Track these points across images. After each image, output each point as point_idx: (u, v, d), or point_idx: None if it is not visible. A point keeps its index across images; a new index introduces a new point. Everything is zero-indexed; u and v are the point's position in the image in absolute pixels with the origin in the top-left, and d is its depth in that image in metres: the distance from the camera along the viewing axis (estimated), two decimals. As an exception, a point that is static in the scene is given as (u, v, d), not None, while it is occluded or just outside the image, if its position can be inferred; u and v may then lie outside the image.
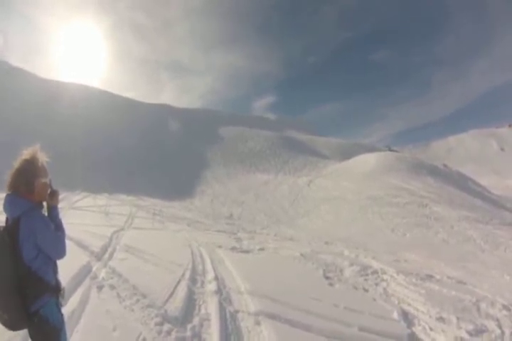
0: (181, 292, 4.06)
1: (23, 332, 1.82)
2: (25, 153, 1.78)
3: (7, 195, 1.74)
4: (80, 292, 3.62)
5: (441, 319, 3.96)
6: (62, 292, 1.86)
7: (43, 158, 1.82)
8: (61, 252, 1.76)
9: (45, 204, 1.86)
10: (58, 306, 1.79)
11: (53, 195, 1.87)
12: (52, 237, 1.72)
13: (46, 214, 1.84)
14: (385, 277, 5.77)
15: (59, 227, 1.82)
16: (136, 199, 18.07)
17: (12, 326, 1.69)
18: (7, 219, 1.74)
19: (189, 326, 3.24)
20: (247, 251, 7.38)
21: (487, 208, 17.49)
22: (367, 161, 27.47)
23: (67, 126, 29.91)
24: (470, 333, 3.63)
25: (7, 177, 1.75)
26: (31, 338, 1.72)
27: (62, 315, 1.81)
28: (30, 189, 1.74)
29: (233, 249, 7.48)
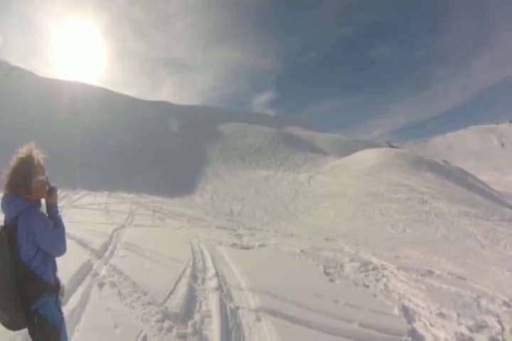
0: (182, 289, 4.06)
1: (24, 332, 1.82)
2: (21, 152, 1.75)
3: (5, 195, 1.72)
4: (80, 290, 3.62)
5: (441, 315, 3.97)
6: (61, 290, 1.85)
7: (38, 156, 1.79)
8: (61, 249, 1.75)
9: (43, 201, 1.84)
10: (58, 305, 1.78)
11: (51, 191, 1.84)
12: (51, 235, 1.71)
13: (45, 211, 1.82)
14: (385, 273, 5.79)
15: (58, 224, 1.80)
16: (136, 196, 18.09)
17: (12, 326, 1.68)
18: (5, 218, 1.72)
19: (190, 323, 3.25)
20: (247, 248, 7.39)
21: (487, 204, 17.50)
22: (367, 157, 27.46)
23: (67, 124, 29.85)
24: (470, 329, 3.64)
25: (4, 176, 1.73)
26: (32, 337, 1.72)
27: (62, 313, 1.80)
28: (28, 188, 1.72)
29: (234, 245, 7.48)
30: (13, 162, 1.74)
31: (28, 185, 1.72)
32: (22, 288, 1.63)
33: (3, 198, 1.71)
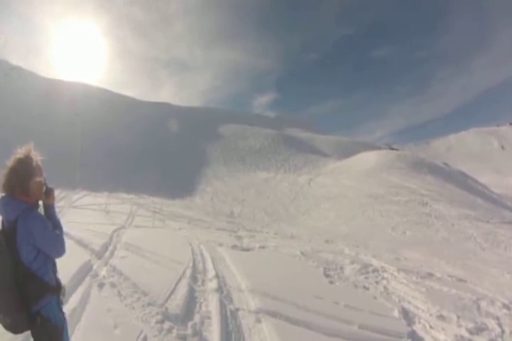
0: (182, 290, 4.06)
1: (25, 333, 1.81)
2: (19, 152, 1.71)
3: (2, 197, 1.69)
4: (80, 290, 3.62)
5: (441, 317, 3.97)
6: (62, 291, 1.84)
7: (37, 157, 1.75)
8: (60, 251, 1.74)
9: (41, 203, 1.82)
10: (59, 305, 1.78)
11: (49, 193, 1.82)
12: (51, 237, 1.70)
13: (43, 213, 1.80)
14: (385, 275, 5.78)
15: (57, 226, 1.79)
16: (136, 197, 18.09)
17: (14, 329, 1.66)
18: (3, 221, 1.69)
19: (190, 324, 3.24)
20: (247, 250, 7.39)
21: (487, 206, 17.50)
22: (367, 159, 27.47)
23: (67, 124, 29.86)
24: (470, 331, 3.64)
25: (1, 177, 1.68)
26: (34, 339, 1.71)
27: (63, 313, 1.80)
28: (26, 189, 1.69)
29: (234, 247, 7.48)
30: (10, 162, 1.69)
31: (26, 186, 1.68)
32: (23, 289, 1.62)
33: (1, 201, 1.68)
